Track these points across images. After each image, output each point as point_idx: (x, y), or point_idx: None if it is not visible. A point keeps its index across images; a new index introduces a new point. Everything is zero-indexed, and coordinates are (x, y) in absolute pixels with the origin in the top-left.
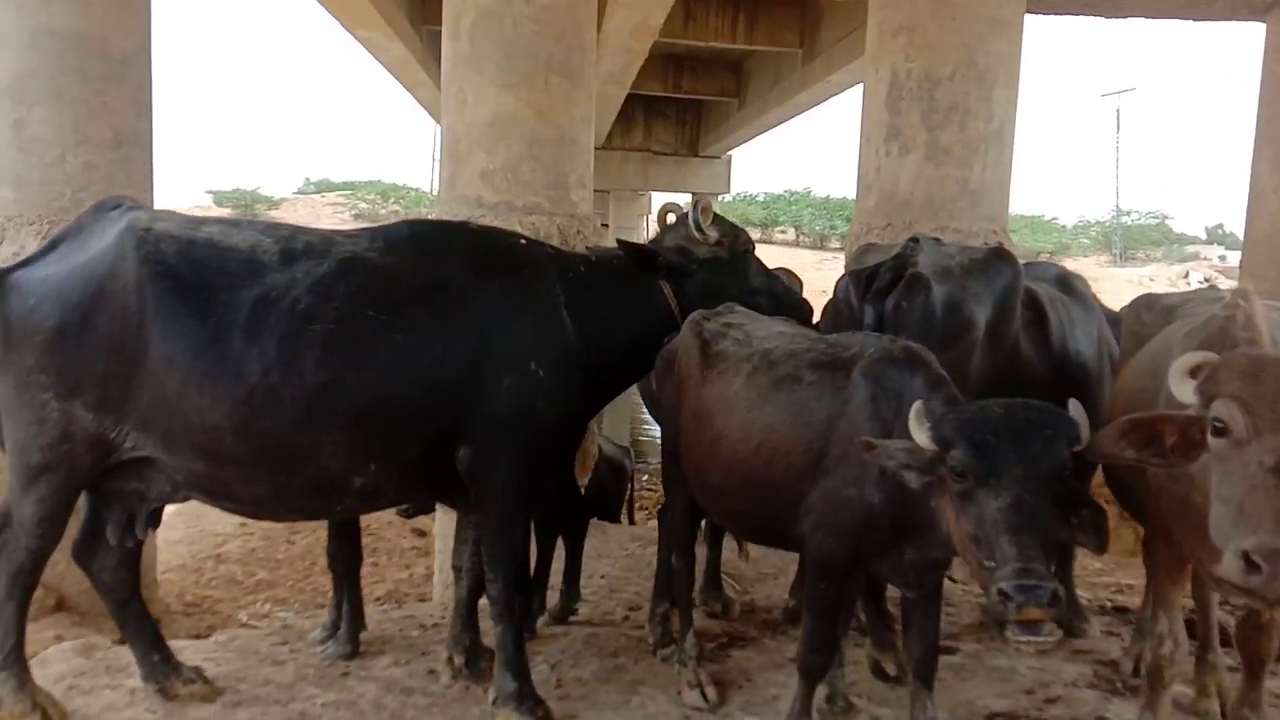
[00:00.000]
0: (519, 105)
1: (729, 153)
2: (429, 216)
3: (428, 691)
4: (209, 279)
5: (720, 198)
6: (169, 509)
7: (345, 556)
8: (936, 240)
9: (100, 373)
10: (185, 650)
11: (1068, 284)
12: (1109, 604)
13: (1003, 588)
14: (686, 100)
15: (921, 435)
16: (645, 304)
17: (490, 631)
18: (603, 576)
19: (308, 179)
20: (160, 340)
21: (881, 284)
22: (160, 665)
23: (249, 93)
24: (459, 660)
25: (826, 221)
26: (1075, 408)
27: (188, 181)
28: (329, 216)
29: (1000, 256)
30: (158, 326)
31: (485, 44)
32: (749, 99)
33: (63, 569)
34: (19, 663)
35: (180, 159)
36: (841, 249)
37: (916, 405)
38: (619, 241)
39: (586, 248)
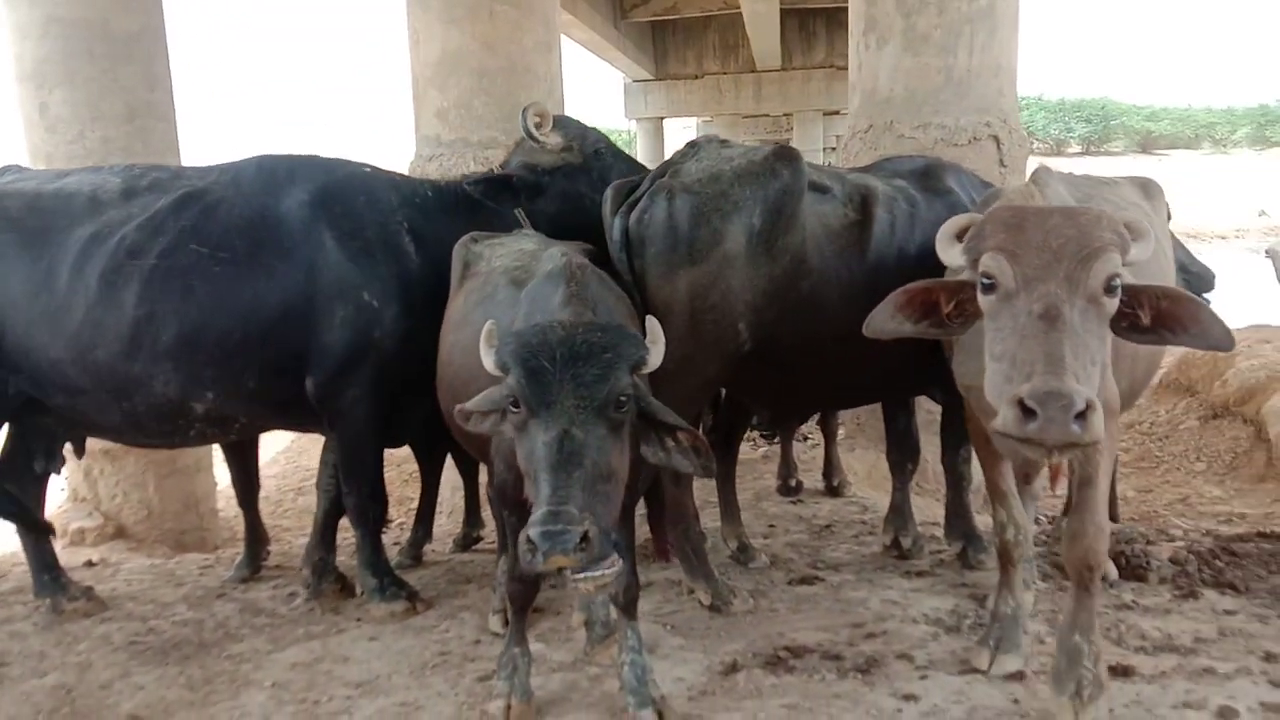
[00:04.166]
0: (465, 39)
1: None
2: None
3: (274, 613)
4: (50, 224)
5: None
6: (277, 445)
7: (241, 487)
8: (723, 143)
9: None
10: (123, 568)
11: (931, 178)
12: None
13: (529, 534)
14: None
15: (489, 360)
16: (496, 225)
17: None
18: None
19: None
20: (5, 285)
21: (639, 195)
22: (50, 583)
23: None
24: (307, 574)
25: (1063, 125)
26: (651, 325)
27: None
28: None
29: (780, 157)
30: (3, 274)
31: None
32: None
33: (120, 501)
34: None
35: None
36: (1084, 153)
37: (487, 326)
38: (465, 182)
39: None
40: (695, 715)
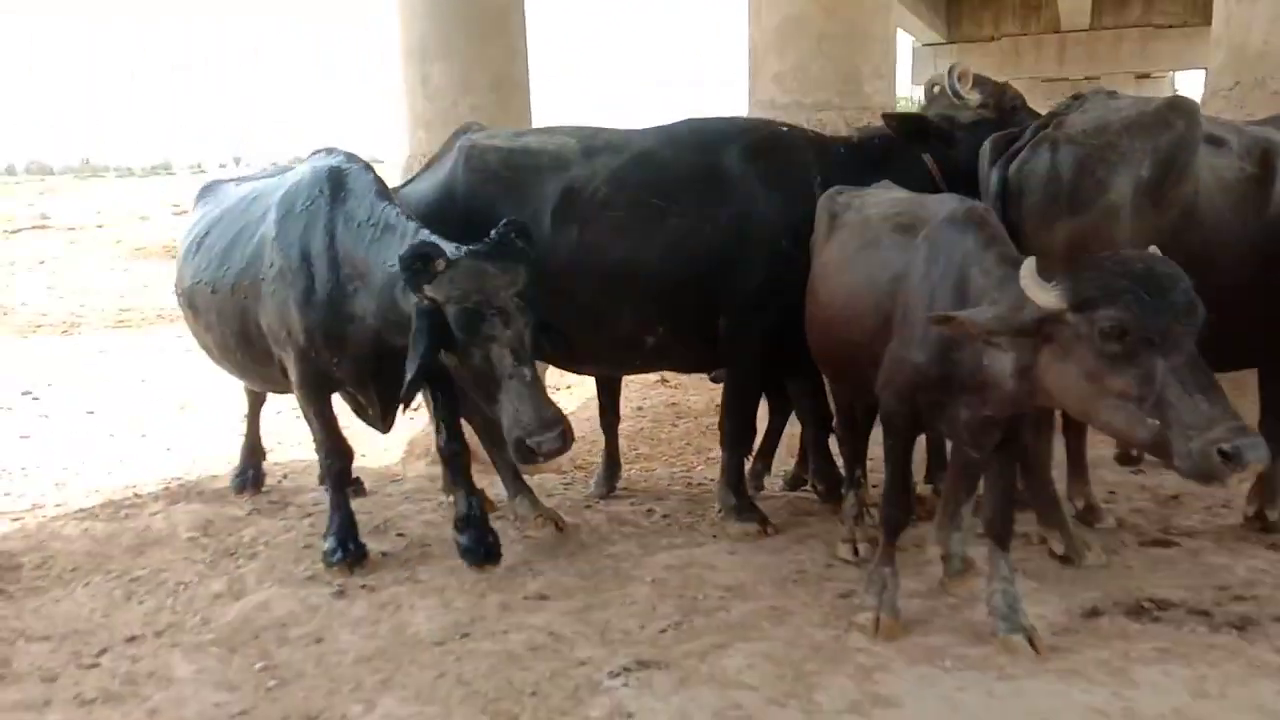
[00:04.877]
0: (807, 5)
1: None
2: None
3: (638, 524)
4: (522, 178)
5: None
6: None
7: (606, 413)
8: (1110, 94)
9: None
10: (496, 481)
11: None
12: None
13: (1224, 449)
14: None
15: (1046, 296)
16: (904, 178)
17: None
18: None
19: None
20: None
21: (1020, 146)
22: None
23: None
24: (823, 489)
25: None
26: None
27: None
28: None
29: (1174, 107)
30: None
31: None
32: None
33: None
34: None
35: None
36: None
37: (1028, 264)
38: (884, 115)
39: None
40: (1063, 648)
